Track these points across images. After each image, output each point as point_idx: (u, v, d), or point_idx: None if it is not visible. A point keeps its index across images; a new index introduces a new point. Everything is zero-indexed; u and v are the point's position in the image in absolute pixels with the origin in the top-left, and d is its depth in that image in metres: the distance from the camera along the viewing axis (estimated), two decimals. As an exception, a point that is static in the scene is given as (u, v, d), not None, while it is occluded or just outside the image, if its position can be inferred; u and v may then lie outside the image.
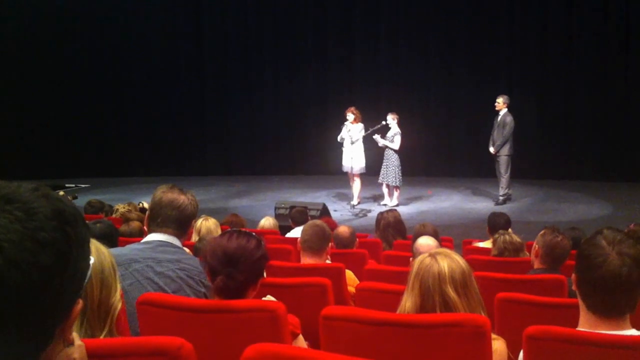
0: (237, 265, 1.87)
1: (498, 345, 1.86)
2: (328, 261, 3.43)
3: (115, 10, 12.96)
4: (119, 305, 1.58)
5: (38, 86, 12.69)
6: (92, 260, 0.77)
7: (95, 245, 1.53)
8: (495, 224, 4.59)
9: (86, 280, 0.75)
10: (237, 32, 12.96)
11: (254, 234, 2.04)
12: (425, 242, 3.03)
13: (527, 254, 3.53)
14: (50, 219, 0.69)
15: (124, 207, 5.49)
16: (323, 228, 3.33)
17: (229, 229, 2.16)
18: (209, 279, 1.98)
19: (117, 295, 1.58)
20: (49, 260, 0.67)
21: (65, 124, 12.85)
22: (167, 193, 2.27)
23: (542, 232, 3.10)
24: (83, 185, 11.62)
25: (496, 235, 3.75)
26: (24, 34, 12.62)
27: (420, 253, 2.21)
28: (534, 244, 3.08)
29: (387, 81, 12.20)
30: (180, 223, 2.26)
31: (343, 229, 4.17)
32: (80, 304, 0.75)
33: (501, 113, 8.79)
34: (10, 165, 11.63)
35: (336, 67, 12.51)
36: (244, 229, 2.25)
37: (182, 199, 2.27)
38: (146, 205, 5.46)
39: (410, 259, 3.05)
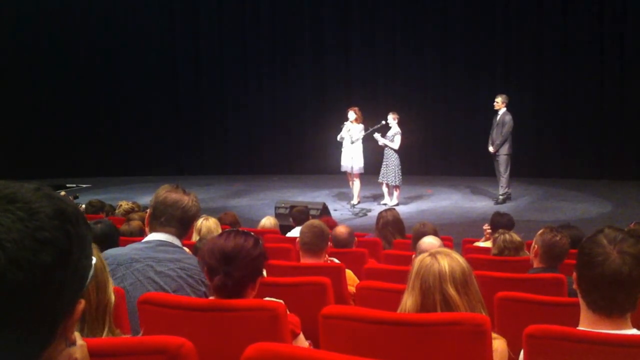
0: (234, 263, 1.88)
1: (498, 344, 1.87)
2: (335, 260, 3.43)
3: (113, 10, 12.97)
4: (112, 299, 1.61)
5: (38, 87, 12.70)
6: (94, 260, 0.77)
7: None
8: (499, 224, 4.58)
9: (88, 280, 0.75)
10: (234, 31, 12.96)
11: (252, 233, 2.04)
12: (430, 241, 3.02)
13: (527, 253, 3.52)
14: (51, 219, 0.70)
15: (127, 204, 5.48)
16: (321, 228, 3.33)
17: (227, 229, 2.17)
18: (207, 278, 1.99)
19: (110, 290, 1.61)
20: (51, 259, 0.68)
21: (66, 124, 12.85)
22: (171, 193, 2.28)
23: (540, 231, 3.10)
24: (84, 185, 11.62)
25: (496, 234, 3.75)
26: (24, 35, 12.61)
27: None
28: (533, 244, 3.08)
29: (385, 80, 12.21)
30: (183, 223, 2.27)
31: (341, 229, 4.16)
32: (82, 303, 0.76)
33: (500, 112, 8.79)
34: (11, 165, 11.62)
35: (334, 66, 12.51)
36: (242, 229, 2.26)
37: (187, 199, 2.28)
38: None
39: (413, 256, 3.05)
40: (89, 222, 0.81)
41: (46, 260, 0.67)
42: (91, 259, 0.76)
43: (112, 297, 1.60)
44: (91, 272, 0.76)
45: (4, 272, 0.64)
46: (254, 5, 12.95)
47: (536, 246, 3.03)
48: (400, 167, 8.79)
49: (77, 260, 0.72)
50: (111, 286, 1.61)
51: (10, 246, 0.65)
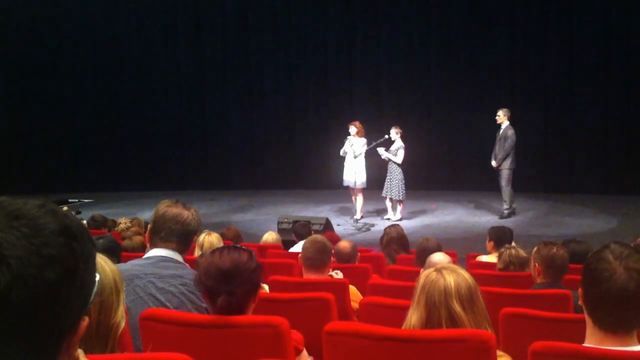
0: (234, 281, 1.85)
1: (504, 361, 1.85)
2: (339, 274, 3.40)
3: (114, 23, 13.08)
4: (122, 324, 1.53)
5: (40, 101, 12.78)
6: (97, 277, 0.77)
7: (98, 262, 1.45)
8: (499, 238, 4.57)
9: (92, 296, 0.75)
10: (236, 46, 13.05)
11: (243, 247, 2.03)
12: (439, 258, 3.00)
13: (533, 268, 3.50)
14: (56, 235, 0.70)
15: (125, 223, 5.47)
16: (324, 243, 3.31)
17: (222, 246, 2.15)
18: (205, 299, 1.95)
19: (120, 313, 1.54)
20: (55, 276, 0.68)
21: (68, 138, 12.91)
22: (171, 207, 2.28)
23: (535, 249, 3.08)
24: (86, 200, 11.63)
25: (502, 249, 3.73)
26: (23, 47, 12.69)
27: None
28: (533, 263, 3.05)
29: (389, 93, 12.24)
30: (184, 238, 2.26)
31: (344, 244, 4.15)
32: (86, 320, 0.75)
33: (503, 126, 8.81)
34: (14, 180, 11.66)
35: (336, 80, 12.56)
36: (242, 244, 2.24)
37: (186, 214, 2.27)
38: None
39: (421, 272, 3.03)
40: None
41: (51, 277, 0.67)
42: (95, 276, 0.76)
43: (122, 322, 1.51)
44: (95, 289, 0.76)
45: (9, 289, 0.64)
46: (257, 21, 13.05)
47: (536, 264, 3.00)
48: (403, 181, 8.78)
49: (82, 277, 0.72)
50: (122, 309, 1.53)
51: (15, 263, 0.65)
